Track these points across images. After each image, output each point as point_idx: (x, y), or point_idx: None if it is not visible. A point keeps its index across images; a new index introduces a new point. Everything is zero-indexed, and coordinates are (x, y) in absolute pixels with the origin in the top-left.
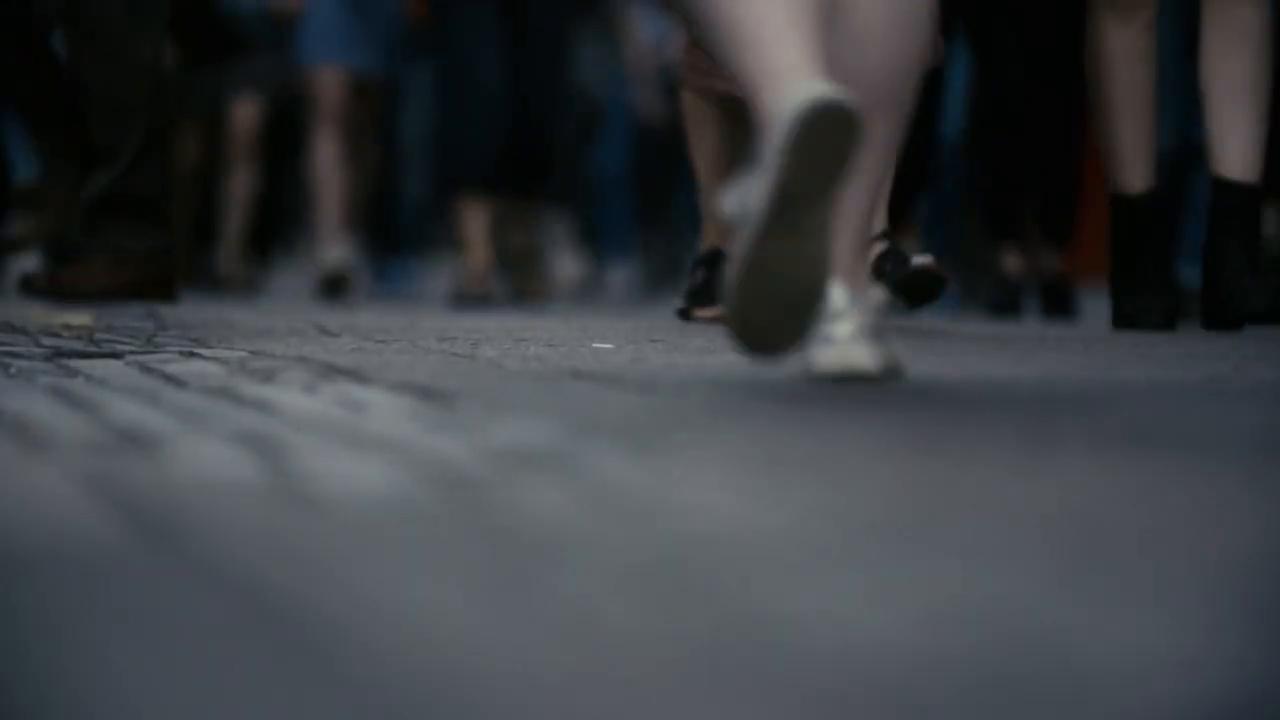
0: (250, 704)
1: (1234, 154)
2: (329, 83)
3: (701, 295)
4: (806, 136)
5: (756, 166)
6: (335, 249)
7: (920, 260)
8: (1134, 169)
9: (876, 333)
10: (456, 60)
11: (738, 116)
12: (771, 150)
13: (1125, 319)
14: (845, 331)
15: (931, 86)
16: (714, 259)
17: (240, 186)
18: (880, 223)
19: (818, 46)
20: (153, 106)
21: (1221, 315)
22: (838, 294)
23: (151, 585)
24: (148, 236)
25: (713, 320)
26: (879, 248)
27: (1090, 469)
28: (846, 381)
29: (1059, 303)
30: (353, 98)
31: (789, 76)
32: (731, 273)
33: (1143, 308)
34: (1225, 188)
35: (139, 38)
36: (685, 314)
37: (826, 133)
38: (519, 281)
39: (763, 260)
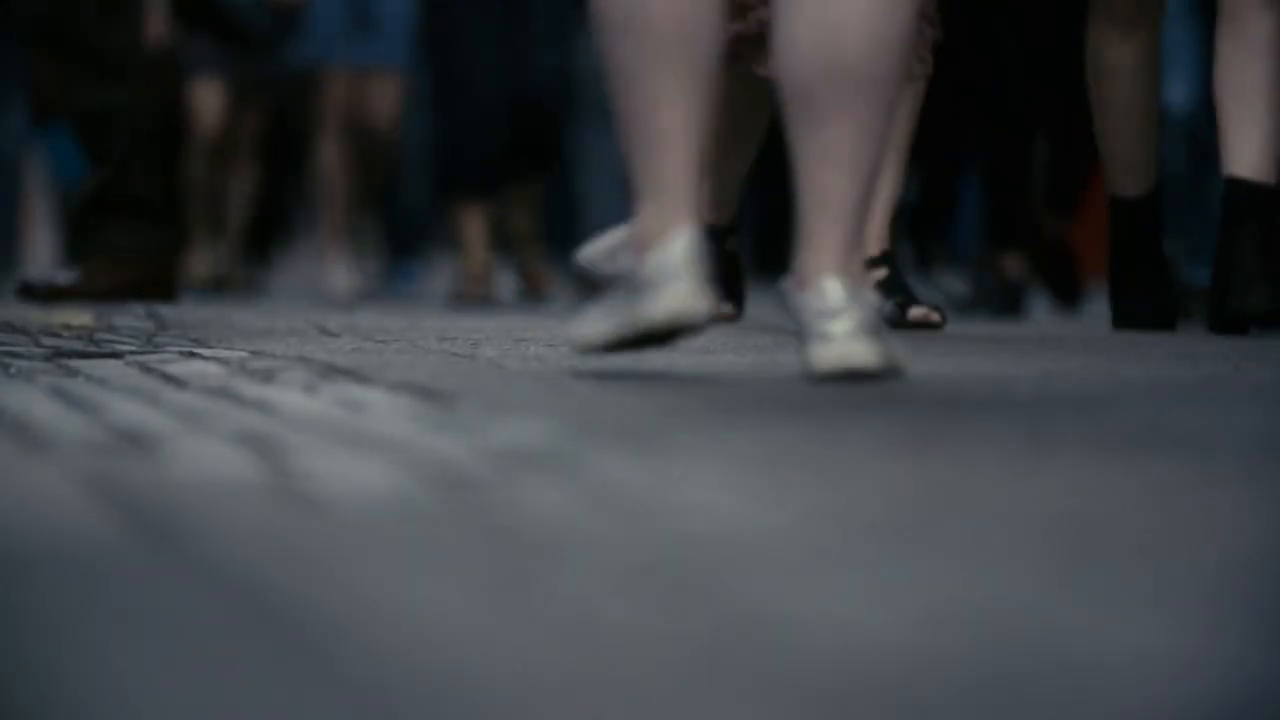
0: (250, 704)
1: (1248, 155)
2: (331, 84)
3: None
4: (652, 336)
5: (620, 265)
6: (342, 275)
7: (917, 313)
8: (1134, 174)
9: (876, 328)
10: (453, 68)
11: (751, 87)
12: (621, 324)
13: (1125, 319)
14: (844, 329)
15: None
16: (713, 239)
17: (241, 186)
18: (883, 243)
19: (701, 159)
20: (142, 106)
21: (1225, 313)
22: (834, 290)
23: (151, 585)
24: (145, 235)
25: (721, 318)
26: (880, 274)
27: (1090, 469)
28: (847, 380)
29: (1064, 286)
30: (358, 97)
31: (669, 209)
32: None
33: (1143, 308)
34: (1238, 187)
35: (113, 36)
36: None
37: (671, 336)
38: (521, 266)
39: (619, 346)
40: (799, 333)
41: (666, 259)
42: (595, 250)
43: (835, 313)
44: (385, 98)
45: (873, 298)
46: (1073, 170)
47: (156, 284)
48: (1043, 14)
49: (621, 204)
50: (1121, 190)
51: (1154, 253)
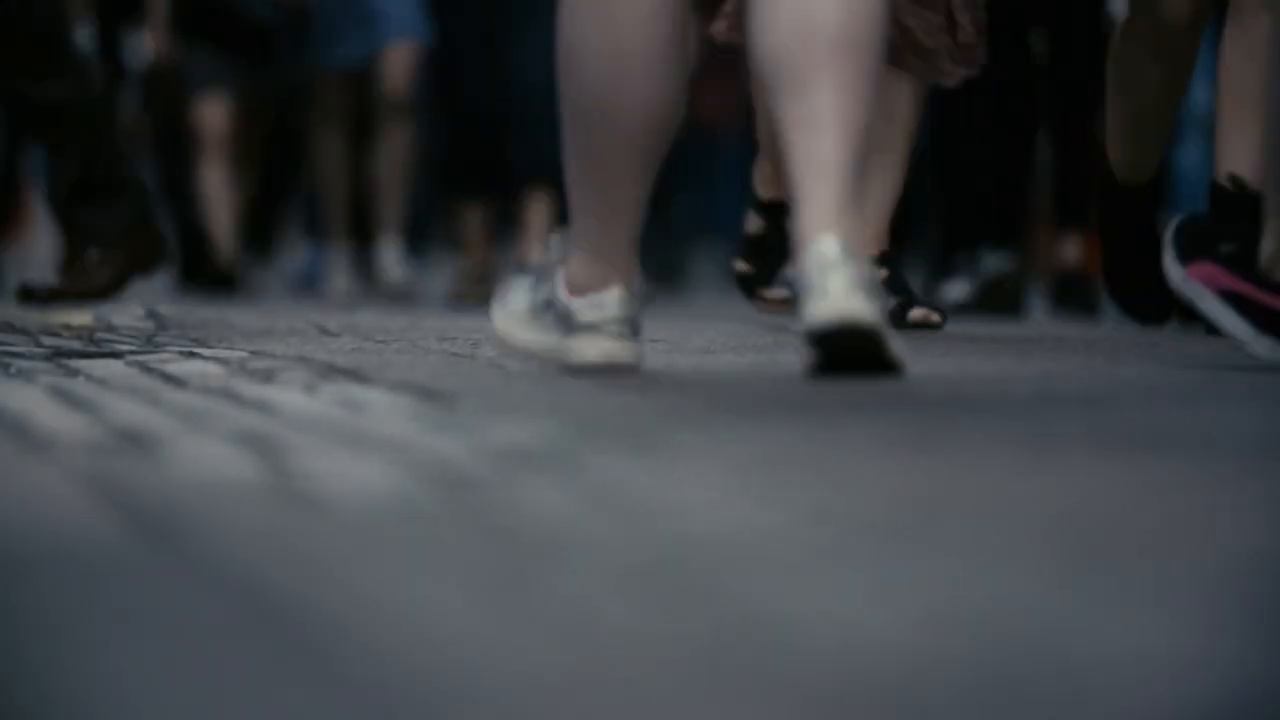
0: (250, 704)
1: (1237, 162)
2: (332, 83)
3: (763, 276)
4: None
5: (547, 297)
6: (340, 278)
7: (917, 313)
8: (1138, 168)
9: (874, 289)
10: (454, 66)
11: None
12: (547, 347)
13: (1125, 313)
14: (841, 283)
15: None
16: (772, 216)
17: (244, 188)
18: (882, 243)
19: (640, 221)
20: (88, 100)
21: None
22: (829, 245)
23: (151, 585)
24: (123, 212)
25: (779, 306)
26: (880, 274)
27: (1090, 469)
28: (847, 375)
29: (1079, 299)
30: (355, 90)
31: (605, 268)
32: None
33: (1142, 303)
34: (1222, 196)
35: (31, 21)
36: (748, 292)
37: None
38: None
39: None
40: (800, 294)
41: (600, 313)
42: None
43: (831, 266)
44: (395, 76)
45: (870, 262)
46: (1079, 174)
47: (149, 257)
48: (1044, 18)
49: None
50: (1126, 181)
51: (1151, 243)
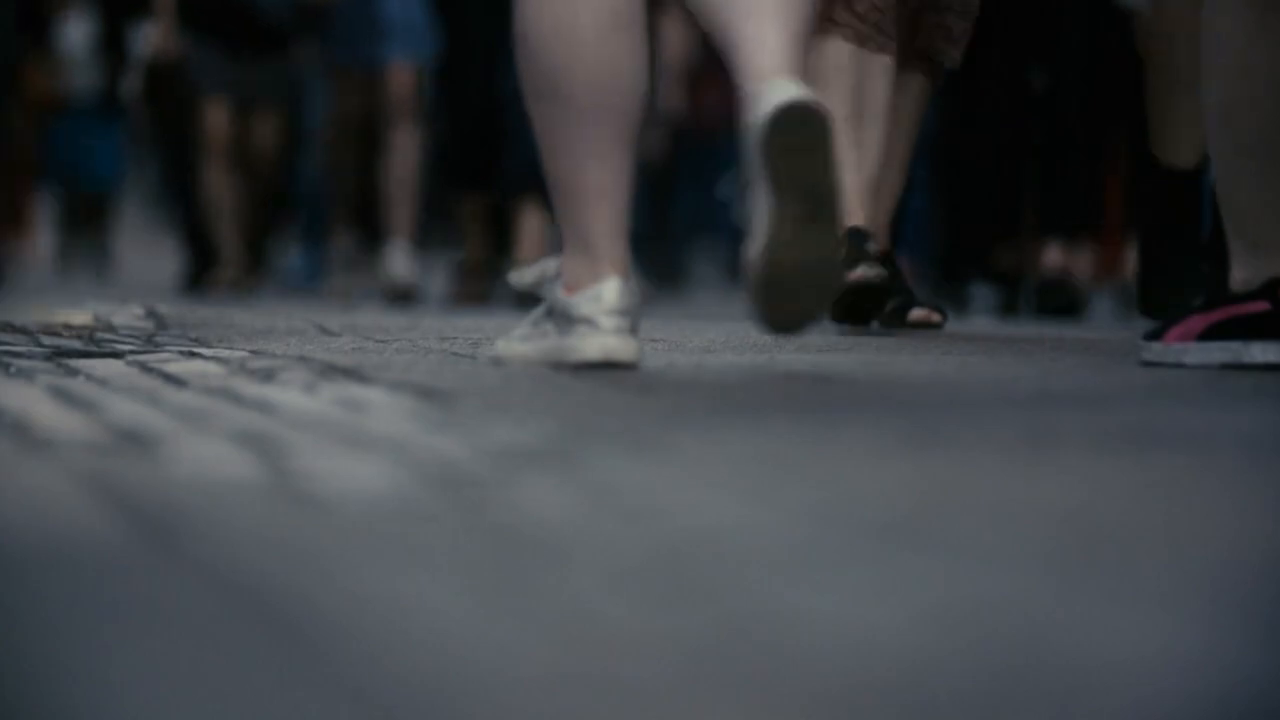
0: (250, 704)
1: None
2: (341, 84)
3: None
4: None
5: (555, 286)
6: (340, 278)
7: (917, 313)
8: (1182, 144)
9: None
10: (454, 59)
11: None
12: (548, 351)
13: (1151, 307)
14: (788, 86)
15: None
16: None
17: (251, 189)
18: (883, 243)
19: (624, 213)
20: None
21: None
22: (786, 80)
23: (151, 585)
24: None
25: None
26: (882, 273)
27: (1090, 469)
28: (790, 144)
29: (1061, 303)
30: (369, 94)
31: (597, 261)
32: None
33: (1173, 295)
34: None
35: None
36: None
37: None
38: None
39: None
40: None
41: (597, 305)
42: (526, 277)
43: (781, 84)
44: (401, 90)
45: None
46: (1064, 184)
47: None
48: (1042, 29)
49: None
50: (1171, 161)
51: (1193, 234)
